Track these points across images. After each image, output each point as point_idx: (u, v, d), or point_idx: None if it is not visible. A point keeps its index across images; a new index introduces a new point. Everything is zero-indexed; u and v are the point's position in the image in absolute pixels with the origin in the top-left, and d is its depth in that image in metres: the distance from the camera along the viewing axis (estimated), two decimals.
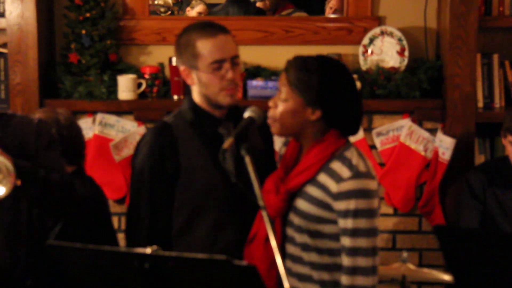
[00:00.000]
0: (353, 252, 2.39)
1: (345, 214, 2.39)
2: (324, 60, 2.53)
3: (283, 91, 2.47)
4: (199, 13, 6.05)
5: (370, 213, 2.40)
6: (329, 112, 2.46)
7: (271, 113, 2.50)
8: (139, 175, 2.71)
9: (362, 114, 2.56)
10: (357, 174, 2.40)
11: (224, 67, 2.63)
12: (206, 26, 2.70)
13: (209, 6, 6.19)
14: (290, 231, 2.52)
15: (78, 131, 3.23)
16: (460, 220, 3.62)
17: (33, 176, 2.48)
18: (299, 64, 2.48)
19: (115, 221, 3.92)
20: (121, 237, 3.60)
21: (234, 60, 2.65)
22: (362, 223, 2.38)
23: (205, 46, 2.63)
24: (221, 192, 2.68)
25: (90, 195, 3.19)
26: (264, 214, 2.30)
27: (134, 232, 2.75)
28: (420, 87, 3.92)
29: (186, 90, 3.90)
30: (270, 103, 2.51)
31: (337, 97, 2.47)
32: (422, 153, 3.95)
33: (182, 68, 2.70)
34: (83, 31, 3.90)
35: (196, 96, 2.72)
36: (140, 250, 1.93)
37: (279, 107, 2.48)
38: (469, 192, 3.60)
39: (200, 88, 2.68)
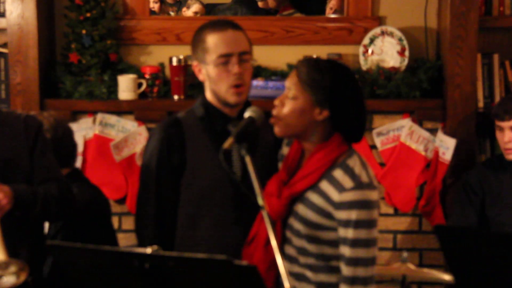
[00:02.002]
0: (354, 262, 2.39)
1: (346, 224, 2.38)
2: (336, 63, 2.55)
3: (292, 89, 2.46)
4: (195, 13, 6.04)
5: (370, 224, 2.40)
6: (336, 114, 2.45)
7: (276, 111, 2.49)
8: (147, 167, 2.75)
9: (365, 123, 2.56)
10: (359, 185, 2.39)
11: (231, 61, 2.64)
12: (218, 22, 2.73)
13: (209, 6, 6.19)
14: (288, 233, 2.52)
15: (65, 133, 3.21)
16: (456, 219, 3.62)
17: (33, 202, 2.54)
18: (311, 63, 2.48)
19: (115, 221, 3.92)
20: (121, 237, 3.61)
21: (242, 56, 2.66)
22: (363, 233, 2.38)
23: (213, 40, 2.66)
24: (226, 191, 2.68)
25: (90, 198, 3.19)
26: (264, 214, 2.30)
27: (141, 225, 2.77)
28: (420, 87, 3.92)
29: (186, 90, 3.92)
30: (276, 102, 2.50)
31: (346, 99, 2.47)
32: (423, 153, 3.95)
33: (194, 63, 2.74)
34: (84, 31, 3.90)
35: (208, 93, 2.74)
36: (140, 250, 1.93)
37: (286, 106, 2.47)
38: (466, 189, 3.61)
39: (209, 84, 2.71)
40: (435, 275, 3.21)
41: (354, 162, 2.44)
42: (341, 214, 2.39)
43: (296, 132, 2.50)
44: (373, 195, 2.42)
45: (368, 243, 2.39)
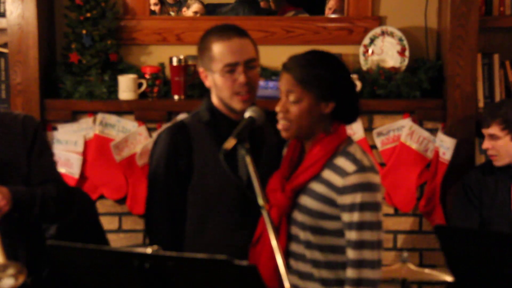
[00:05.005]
0: (360, 245, 2.40)
1: (351, 207, 2.40)
2: (320, 52, 2.55)
3: (293, 92, 2.46)
4: (195, 13, 6.03)
5: (375, 207, 2.42)
6: (341, 102, 2.48)
7: (282, 117, 2.49)
8: (155, 173, 2.75)
9: (359, 102, 2.59)
10: (362, 168, 2.42)
11: (237, 70, 2.64)
12: (224, 29, 2.71)
13: (211, 6, 6.18)
14: (294, 229, 2.53)
15: None
16: (459, 223, 3.63)
17: (31, 203, 2.54)
18: (301, 62, 2.49)
19: (115, 221, 3.93)
20: (121, 237, 3.61)
21: (248, 64, 2.65)
22: (368, 216, 2.40)
23: (219, 49, 2.65)
24: (232, 195, 2.69)
25: (83, 206, 3.16)
26: (264, 213, 2.30)
27: (153, 230, 2.77)
28: (420, 87, 3.92)
29: (187, 90, 3.92)
30: (278, 109, 2.50)
31: (346, 85, 2.51)
32: (423, 153, 3.95)
33: (200, 69, 2.74)
34: (84, 31, 3.90)
35: (214, 98, 2.74)
36: (140, 250, 1.93)
37: (291, 111, 2.47)
38: (466, 191, 3.63)
39: (215, 90, 2.71)
40: (435, 275, 3.21)
41: (354, 149, 2.48)
42: (345, 199, 2.41)
43: (308, 131, 2.50)
44: (376, 178, 2.45)
45: (373, 225, 2.41)
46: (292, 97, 2.47)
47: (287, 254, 2.52)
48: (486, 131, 3.57)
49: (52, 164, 2.76)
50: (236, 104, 2.66)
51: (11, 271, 2.36)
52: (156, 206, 2.74)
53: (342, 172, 2.43)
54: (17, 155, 2.64)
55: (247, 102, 2.66)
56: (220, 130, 2.70)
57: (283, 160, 2.62)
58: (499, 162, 3.55)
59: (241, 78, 2.63)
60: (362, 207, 2.40)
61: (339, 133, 2.50)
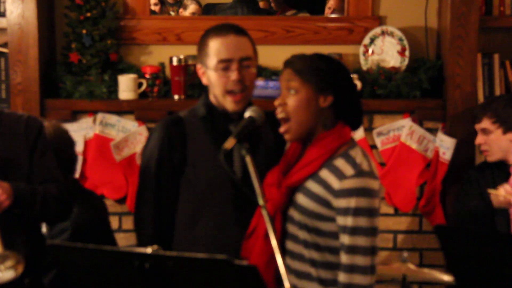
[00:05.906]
0: (352, 250, 2.40)
1: (345, 211, 2.39)
2: (319, 53, 2.57)
3: (292, 84, 2.48)
4: (193, 13, 6.04)
5: (370, 212, 2.41)
6: (339, 96, 2.48)
7: (280, 111, 2.49)
8: (147, 165, 2.74)
9: (362, 108, 2.59)
10: (360, 173, 2.41)
11: (231, 67, 2.63)
12: (223, 26, 2.71)
13: (210, 5, 6.19)
14: (291, 228, 2.52)
15: (67, 144, 3.12)
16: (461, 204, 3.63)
17: (32, 200, 2.54)
18: (301, 57, 2.52)
19: (115, 221, 3.93)
20: (121, 237, 3.61)
21: (242, 62, 2.64)
22: (362, 221, 2.39)
23: (214, 45, 2.65)
24: (226, 191, 2.68)
25: (90, 221, 3.12)
26: (264, 213, 2.30)
27: (140, 224, 2.76)
28: (420, 87, 3.92)
29: (187, 90, 3.92)
30: (277, 102, 2.51)
31: (345, 80, 2.52)
32: (423, 153, 3.95)
33: (198, 66, 2.74)
34: (84, 31, 3.90)
35: (211, 95, 2.73)
36: (140, 250, 1.93)
37: (290, 103, 2.48)
38: (467, 185, 3.64)
39: (210, 88, 2.70)
40: (435, 275, 3.21)
41: (355, 152, 2.47)
42: (341, 202, 2.40)
43: (308, 128, 2.50)
44: (374, 183, 2.43)
45: (367, 231, 2.40)
46: (291, 90, 2.48)
47: (283, 252, 2.51)
48: (478, 126, 3.60)
49: (54, 164, 2.76)
50: (229, 105, 2.65)
51: (9, 263, 2.36)
52: (146, 200, 2.73)
53: (340, 175, 2.42)
54: (19, 155, 2.64)
55: (240, 103, 2.64)
56: (215, 125, 2.70)
57: (283, 155, 2.61)
58: (491, 157, 3.58)
59: (233, 75, 2.61)
60: (357, 212, 2.38)
61: (342, 134, 2.49)
